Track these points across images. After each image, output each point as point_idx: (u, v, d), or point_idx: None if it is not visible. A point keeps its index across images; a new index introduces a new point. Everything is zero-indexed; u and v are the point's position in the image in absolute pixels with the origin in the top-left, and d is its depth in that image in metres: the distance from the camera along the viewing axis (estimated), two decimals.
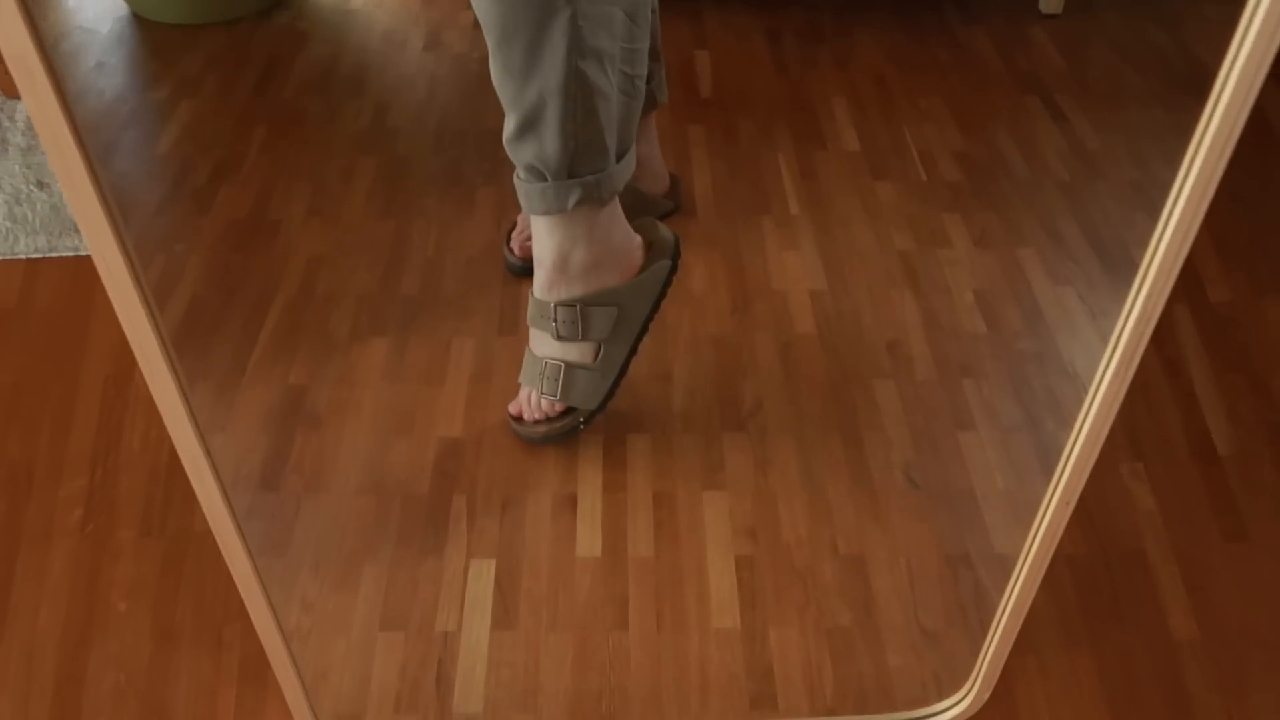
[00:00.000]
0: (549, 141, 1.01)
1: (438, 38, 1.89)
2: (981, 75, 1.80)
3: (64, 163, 0.52)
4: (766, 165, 1.60)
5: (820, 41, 1.89)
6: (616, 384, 1.16)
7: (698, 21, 1.85)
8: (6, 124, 1.61)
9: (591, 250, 1.09)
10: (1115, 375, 0.67)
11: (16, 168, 1.52)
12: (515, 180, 1.07)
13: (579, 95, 1.00)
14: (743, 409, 1.23)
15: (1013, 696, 0.97)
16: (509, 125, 1.03)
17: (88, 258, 1.37)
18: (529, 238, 1.38)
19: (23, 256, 1.36)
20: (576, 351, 1.13)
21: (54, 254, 1.38)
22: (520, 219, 1.42)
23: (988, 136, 1.65)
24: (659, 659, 1.02)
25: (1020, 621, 0.85)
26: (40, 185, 1.49)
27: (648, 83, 1.23)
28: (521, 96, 1.00)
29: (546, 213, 1.06)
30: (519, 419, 1.18)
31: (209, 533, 1.08)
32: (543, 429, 1.17)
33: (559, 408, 1.16)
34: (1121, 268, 1.41)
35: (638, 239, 1.14)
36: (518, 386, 1.19)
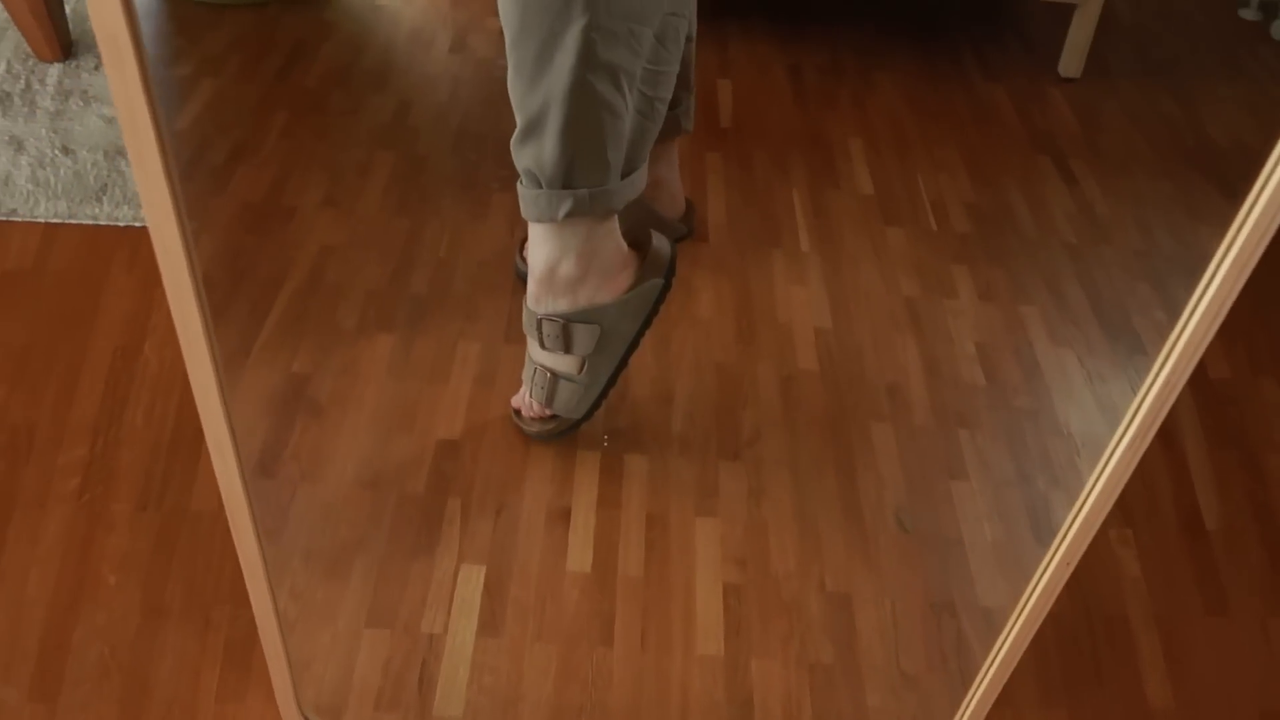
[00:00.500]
0: (547, 148, 1.01)
1: (464, 40, 1.91)
2: (997, 131, 1.82)
3: (138, 143, 0.53)
4: (780, 198, 1.61)
5: (841, 80, 1.91)
6: (603, 396, 1.16)
7: (722, 51, 1.87)
8: (37, 87, 1.60)
9: (580, 264, 1.09)
10: (1130, 445, 0.68)
11: (43, 131, 1.52)
12: (517, 184, 1.07)
13: (583, 106, 1.00)
14: (741, 438, 1.24)
15: None
16: (518, 127, 1.03)
17: (106, 227, 1.38)
18: None
19: (42, 220, 1.35)
20: (563, 363, 1.14)
21: (73, 220, 1.38)
22: None
23: (999, 191, 1.68)
24: (641, 679, 1.02)
25: (1006, 676, 0.87)
26: (65, 150, 1.49)
27: (674, 108, 1.24)
28: (527, 100, 1.00)
29: (538, 220, 1.06)
30: (517, 412, 1.20)
31: (205, 512, 1.09)
32: (535, 428, 1.19)
33: (548, 412, 1.17)
34: (1121, 335, 1.43)
35: (632, 257, 1.13)
36: (521, 383, 1.20)
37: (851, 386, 1.32)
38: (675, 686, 1.02)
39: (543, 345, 1.12)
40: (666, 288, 1.15)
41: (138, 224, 1.40)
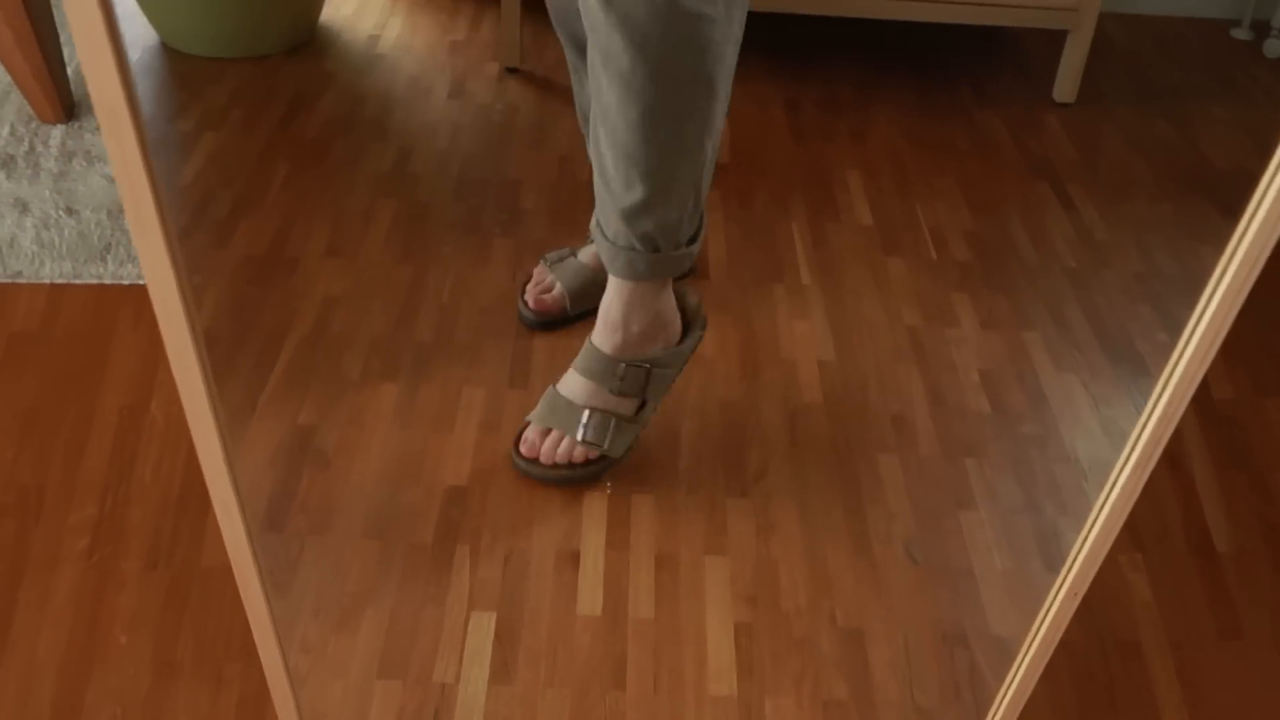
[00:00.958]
0: (675, 214, 1.10)
1: (462, 86, 1.92)
2: (994, 158, 1.83)
3: (137, 209, 0.53)
4: (780, 233, 1.62)
5: (838, 114, 1.93)
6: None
7: None
8: (40, 149, 1.62)
9: (659, 317, 1.19)
10: (1135, 469, 0.68)
11: (47, 192, 1.54)
12: (611, 248, 1.14)
13: (708, 173, 1.10)
14: (748, 474, 1.24)
15: None
16: (633, 196, 1.08)
17: (112, 286, 1.39)
18: (544, 290, 1.41)
19: (47, 281, 1.37)
20: (625, 405, 1.19)
21: (78, 280, 1.39)
22: (536, 272, 1.44)
23: (998, 219, 1.68)
24: None
25: (1020, 707, 0.86)
26: (69, 211, 1.50)
27: None
28: (659, 171, 1.07)
29: (649, 279, 1.15)
30: (533, 460, 1.20)
31: (215, 568, 1.09)
32: (563, 473, 1.19)
33: (591, 455, 1.18)
34: (1124, 359, 1.43)
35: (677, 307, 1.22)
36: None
37: (857, 419, 1.32)
38: None
39: (618, 390, 1.18)
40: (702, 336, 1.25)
41: (142, 282, 1.41)
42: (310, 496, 1.18)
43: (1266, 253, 0.60)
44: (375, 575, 1.11)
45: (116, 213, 1.53)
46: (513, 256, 1.53)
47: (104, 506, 1.12)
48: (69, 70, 1.76)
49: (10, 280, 1.37)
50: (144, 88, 1.86)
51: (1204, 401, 1.35)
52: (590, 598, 1.10)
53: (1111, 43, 2.21)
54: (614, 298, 1.18)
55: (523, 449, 1.21)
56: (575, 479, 1.20)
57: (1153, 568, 1.14)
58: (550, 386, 1.23)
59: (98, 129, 1.64)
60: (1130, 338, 1.47)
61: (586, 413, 1.19)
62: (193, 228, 1.54)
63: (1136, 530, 1.18)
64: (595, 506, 1.19)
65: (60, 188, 1.55)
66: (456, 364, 1.35)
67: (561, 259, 1.44)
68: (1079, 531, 0.77)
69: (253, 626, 0.79)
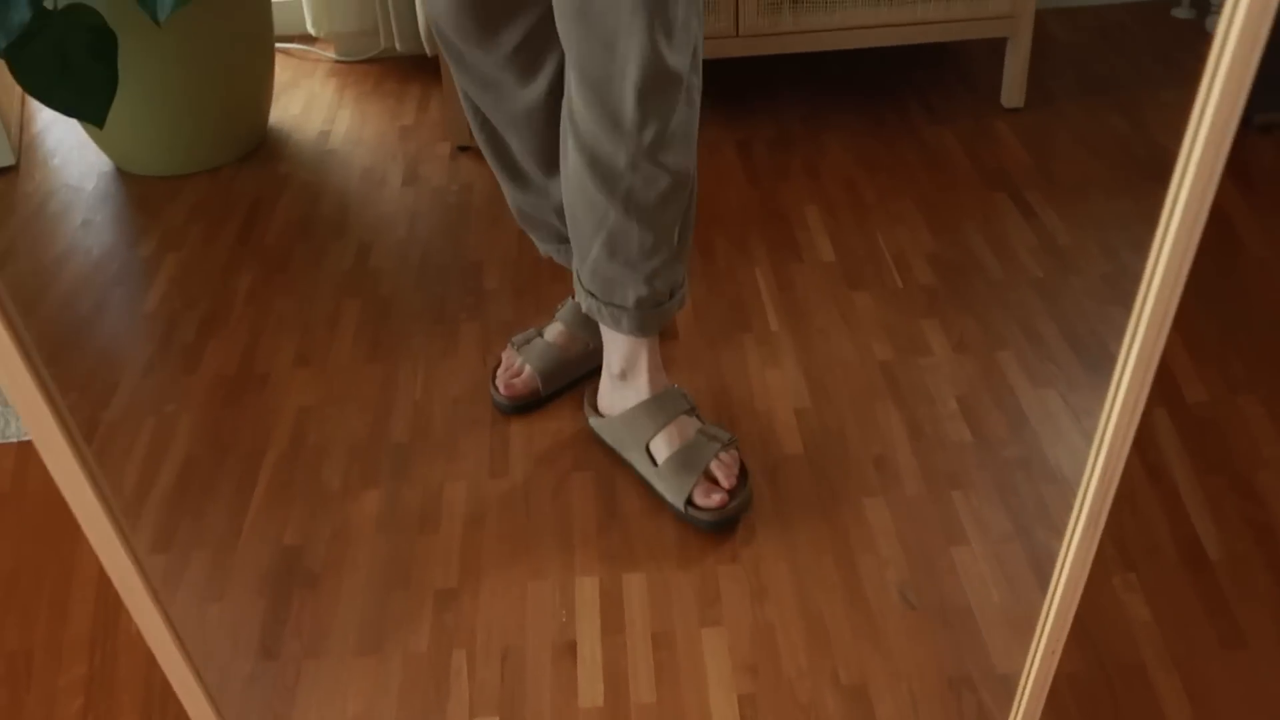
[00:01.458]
0: (684, 262, 1.26)
1: (415, 172, 1.93)
2: (949, 174, 1.84)
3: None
4: (744, 280, 1.62)
5: (790, 150, 1.93)
6: None
7: None
8: None
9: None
10: (1101, 478, 0.68)
11: None
12: (633, 313, 1.25)
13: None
14: (735, 538, 1.23)
15: None
16: (656, 259, 1.21)
17: None
18: (514, 375, 1.41)
19: (14, 440, 1.37)
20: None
21: None
22: (505, 356, 1.44)
23: (959, 237, 1.68)
24: None
25: None
26: None
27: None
28: (686, 230, 1.23)
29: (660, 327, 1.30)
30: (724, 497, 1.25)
31: None
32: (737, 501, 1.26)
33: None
34: (1100, 365, 1.42)
35: None
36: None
37: (838, 465, 1.31)
38: None
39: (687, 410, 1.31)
40: None
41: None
42: (302, 619, 1.17)
43: (1200, 225, 0.59)
44: (374, 692, 1.11)
45: None
46: (481, 340, 1.54)
47: (93, 663, 1.12)
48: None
49: None
50: (102, 216, 1.87)
51: (1177, 406, 1.34)
52: (590, 689, 1.10)
53: (1054, 40, 2.21)
54: (631, 353, 1.29)
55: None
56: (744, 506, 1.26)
57: (1147, 585, 1.13)
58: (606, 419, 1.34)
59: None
60: (1104, 342, 1.47)
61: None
62: (161, 355, 1.54)
63: (1126, 549, 1.17)
64: (586, 590, 1.19)
65: None
66: (435, 460, 1.35)
67: (528, 340, 1.44)
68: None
69: None
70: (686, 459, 1.25)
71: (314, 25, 2.31)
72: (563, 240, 1.38)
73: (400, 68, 2.30)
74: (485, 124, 1.31)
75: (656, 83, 1.08)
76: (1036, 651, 0.81)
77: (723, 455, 1.26)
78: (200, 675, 0.68)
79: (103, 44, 1.65)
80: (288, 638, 1.16)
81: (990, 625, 1.13)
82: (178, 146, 1.95)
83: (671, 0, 1.05)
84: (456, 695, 1.10)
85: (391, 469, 1.34)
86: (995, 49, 2.01)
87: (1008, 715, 0.88)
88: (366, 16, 2.27)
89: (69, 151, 2.07)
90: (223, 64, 1.91)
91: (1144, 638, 1.08)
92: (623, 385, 1.31)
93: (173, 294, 1.66)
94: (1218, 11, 2.17)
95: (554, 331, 1.43)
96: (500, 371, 1.43)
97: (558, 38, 1.13)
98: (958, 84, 2.10)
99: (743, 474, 1.27)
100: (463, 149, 1.98)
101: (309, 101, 2.19)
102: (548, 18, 1.16)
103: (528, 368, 1.41)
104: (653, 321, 1.27)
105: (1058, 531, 1.22)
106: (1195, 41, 2.17)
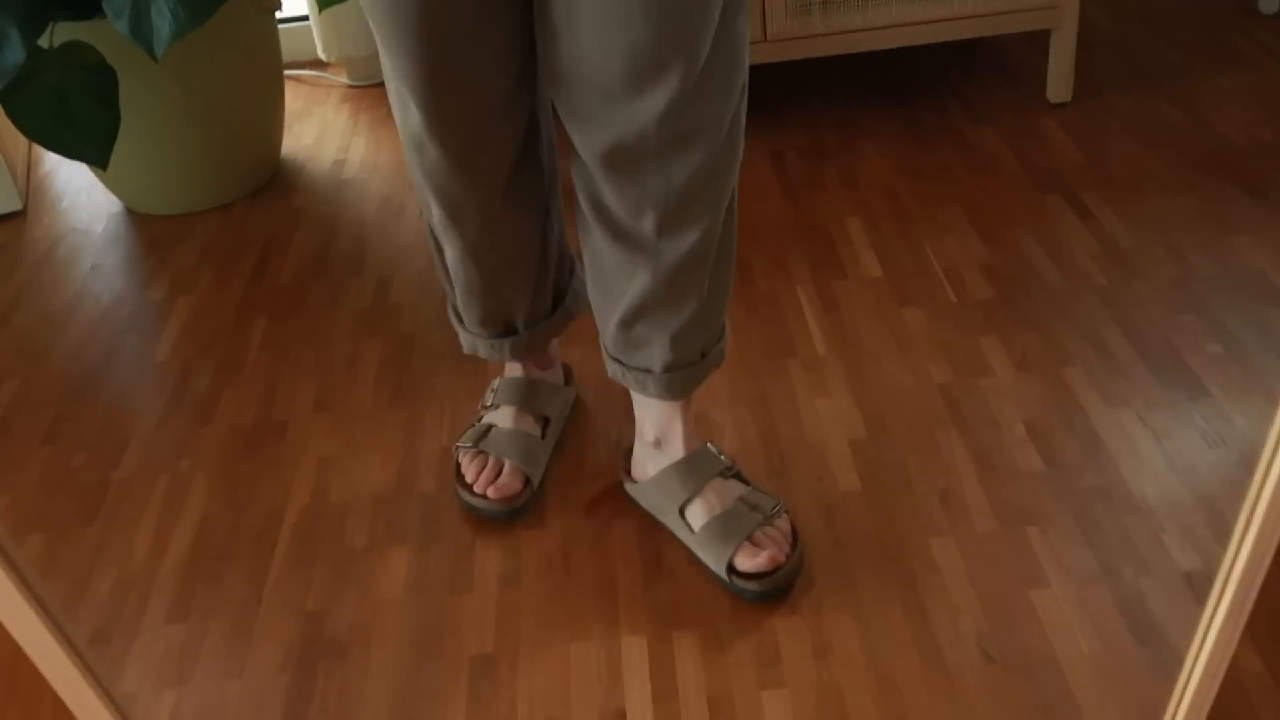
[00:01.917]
0: (717, 321, 1.16)
1: None
2: (997, 177, 1.73)
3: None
4: (786, 302, 1.53)
5: (825, 159, 1.83)
6: None
7: None
8: None
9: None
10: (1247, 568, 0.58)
11: None
12: (659, 377, 1.15)
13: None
14: (794, 588, 1.13)
15: None
16: (689, 314, 1.11)
17: None
18: (495, 475, 1.25)
19: None
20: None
21: None
22: (466, 462, 1.27)
23: (1013, 244, 1.58)
24: None
25: None
26: None
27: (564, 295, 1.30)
28: (724, 288, 1.13)
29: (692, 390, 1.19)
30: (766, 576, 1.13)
31: None
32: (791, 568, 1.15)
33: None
34: (1178, 379, 1.32)
35: None
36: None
37: (900, 502, 1.21)
38: None
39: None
40: None
41: None
42: (328, 695, 1.09)
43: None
44: None
45: None
46: None
47: None
48: None
49: None
50: (112, 259, 1.79)
51: None
52: None
53: (1099, 30, 2.10)
54: (664, 417, 1.20)
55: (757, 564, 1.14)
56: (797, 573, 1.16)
57: (1257, 634, 1.02)
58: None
59: None
60: (1179, 354, 1.36)
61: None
62: (175, 407, 1.46)
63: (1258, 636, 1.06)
64: (634, 651, 1.09)
65: None
66: (466, 513, 1.26)
67: (483, 435, 1.28)
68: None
69: None
70: (725, 526, 1.14)
71: (324, 50, 2.23)
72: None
73: None
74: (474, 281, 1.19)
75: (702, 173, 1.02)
76: None
77: (768, 530, 1.14)
78: None
79: (103, 83, 1.58)
80: (313, 717, 1.07)
81: (1079, 678, 1.02)
82: (187, 184, 1.87)
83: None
84: None
85: (419, 522, 1.25)
86: (1035, 41, 1.91)
87: None
88: None
89: (77, 193, 2.00)
90: (229, 96, 1.83)
91: (1256, 690, 0.98)
92: (656, 452, 1.22)
93: (185, 341, 1.58)
94: None
95: (506, 416, 1.29)
96: (476, 480, 1.25)
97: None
98: (998, 80, 1.99)
99: (793, 538, 1.16)
100: None
101: (322, 130, 2.11)
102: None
103: (506, 462, 1.25)
104: (679, 385, 1.16)
105: (1147, 568, 1.12)
106: (1248, 23, 2.06)
